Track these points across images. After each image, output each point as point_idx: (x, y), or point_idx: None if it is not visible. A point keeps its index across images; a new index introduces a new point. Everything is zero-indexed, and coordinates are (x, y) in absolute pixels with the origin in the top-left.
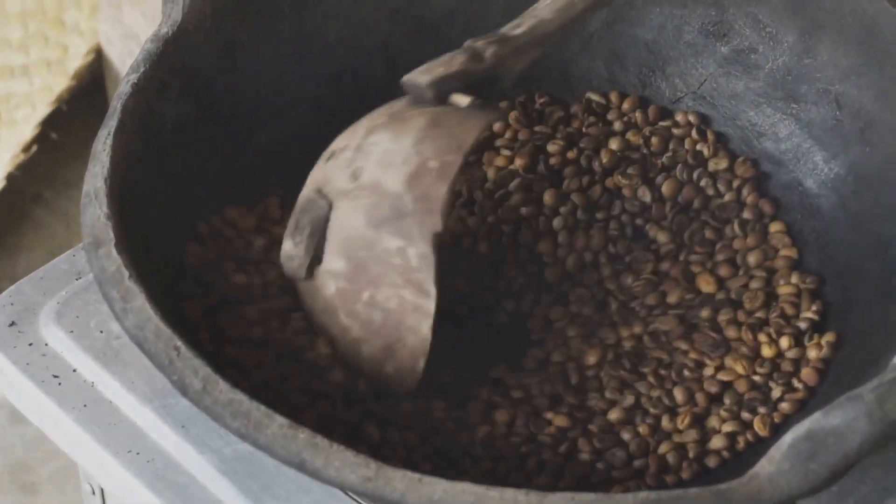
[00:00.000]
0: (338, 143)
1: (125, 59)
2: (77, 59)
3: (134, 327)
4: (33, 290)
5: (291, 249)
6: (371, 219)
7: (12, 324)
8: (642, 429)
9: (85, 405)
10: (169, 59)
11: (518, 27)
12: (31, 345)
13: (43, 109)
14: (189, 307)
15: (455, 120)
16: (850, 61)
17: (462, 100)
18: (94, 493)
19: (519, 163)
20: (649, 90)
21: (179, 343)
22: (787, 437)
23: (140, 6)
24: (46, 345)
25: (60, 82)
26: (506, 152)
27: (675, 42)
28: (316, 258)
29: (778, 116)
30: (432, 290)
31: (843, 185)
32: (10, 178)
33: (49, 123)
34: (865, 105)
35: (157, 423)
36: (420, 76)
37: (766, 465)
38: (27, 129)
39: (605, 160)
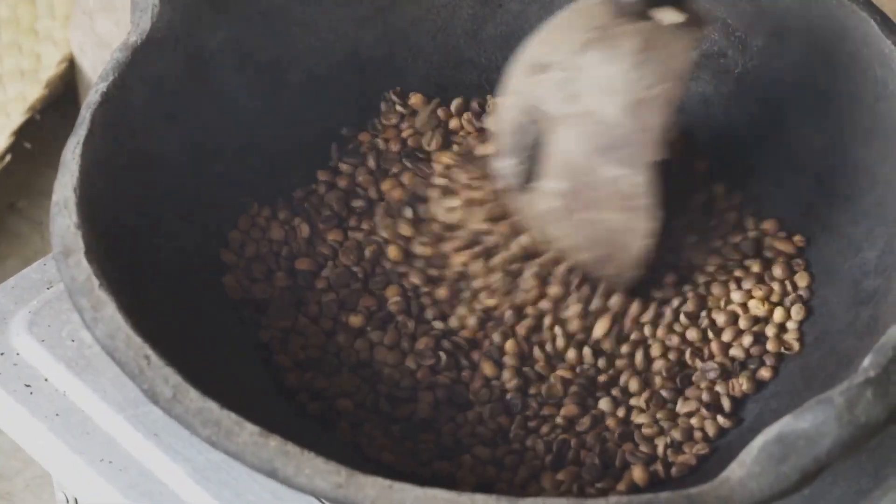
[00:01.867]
0: (540, 54)
1: (98, 68)
2: (50, 69)
3: (104, 336)
4: (4, 300)
5: (511, 169)
6: (591, 146)
7: None
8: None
9: (57, 414)
10: (138, 67)
11: None
12: (2, 354)
13: (17, 118)
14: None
15: (666, 41)
16: (819, 65)
17: (671, 16)
18: (68, 502)
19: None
20: None
21: (150, 352)
22: (758, 441)
23: (113, 15)
24: (18, 354)
25: (34, 91)
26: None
27: None
28: (532, 176)
29: (747, 120)
30: (652, 215)
31: (812, 189)
32: None
33: (22, 133)
34: (835, 109)
35: (130, 431)
36: None
37: (737, 469)
38: (1, 139)
39: None
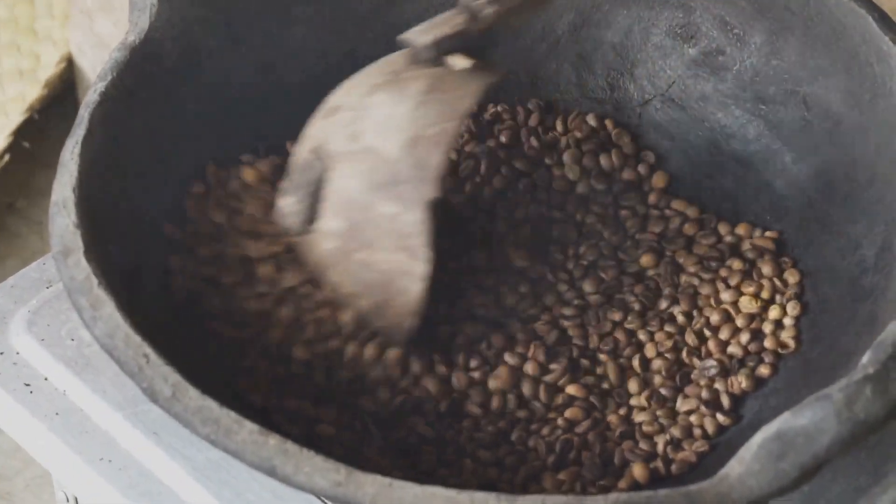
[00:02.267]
0: (336, 99)
1: (97, 68)
2: (49, 68)
3: (104, 335)
4: (4, 299)
5: (291, 206)
6: (369, 183)
7: None
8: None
9: (57, 413)
10: (136, 67)
11: None
12: (1, 353)
13: (16, 118)
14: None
15: (453, 84)
16: (818, 62)
17: (461, 62)
18: (68, 501)
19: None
20: (617, 93)
21: (149, 350)
22: (757, 438)
23: (111, 15)
24: (17, 353)
25: (33, 91)
26: (452, 156)
27: (643, 44)
28: (313, 216)
29: (746, 118)
30: (425, 256)
31: (811, 186)
32: None
33: (21, 133)
34: (833, 106)
35: (130, 430)
36: (421, 36)
37: (736, 466)
38: (0, 139)
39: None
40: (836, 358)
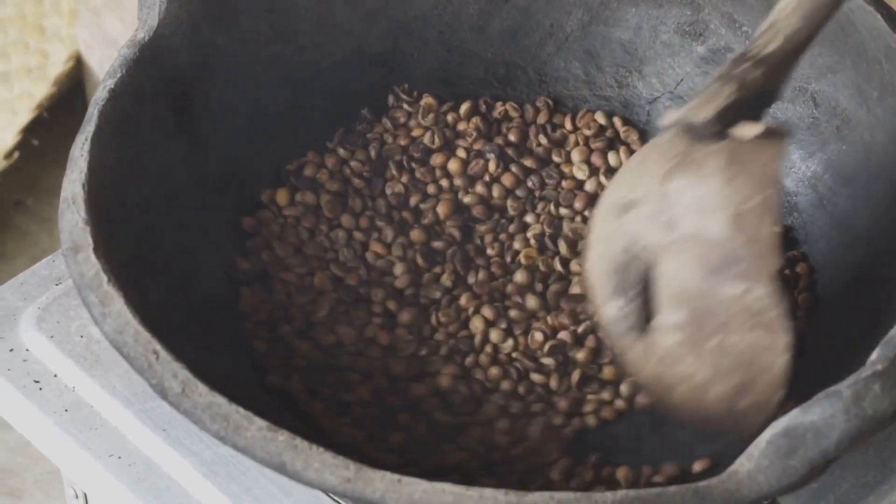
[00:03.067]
0: (622, 195)
1: (105, 66)
2: (57, 66)
3: (113, 331)
4: (13, 296)
5: (620, 312)
6: (704, 269)
7: None
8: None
9: (66, 410)
10: (145, 64)
11: (772, 42)
12: (11, 350)
13: (24, 116)
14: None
15: (751, 154)
16: (826, 59)
17: (751, 130)
18: (77, 497)
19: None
20: (626, 90)
21: (158, 347)
22: (766, 434)
23: (119, 12)
24: (27, 350)
25: (41, 89)
26: (461, 154)
27: (652, 42)
28: (646, 316)
29: None
30: (786, 327)
31: (820, 182)
32: None
33: (30, 130)
34: (841, 103)
35: (139, 426)
36: (699, 112)
37: (745, 463)
38: (8, 136)
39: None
40: (844, 354)
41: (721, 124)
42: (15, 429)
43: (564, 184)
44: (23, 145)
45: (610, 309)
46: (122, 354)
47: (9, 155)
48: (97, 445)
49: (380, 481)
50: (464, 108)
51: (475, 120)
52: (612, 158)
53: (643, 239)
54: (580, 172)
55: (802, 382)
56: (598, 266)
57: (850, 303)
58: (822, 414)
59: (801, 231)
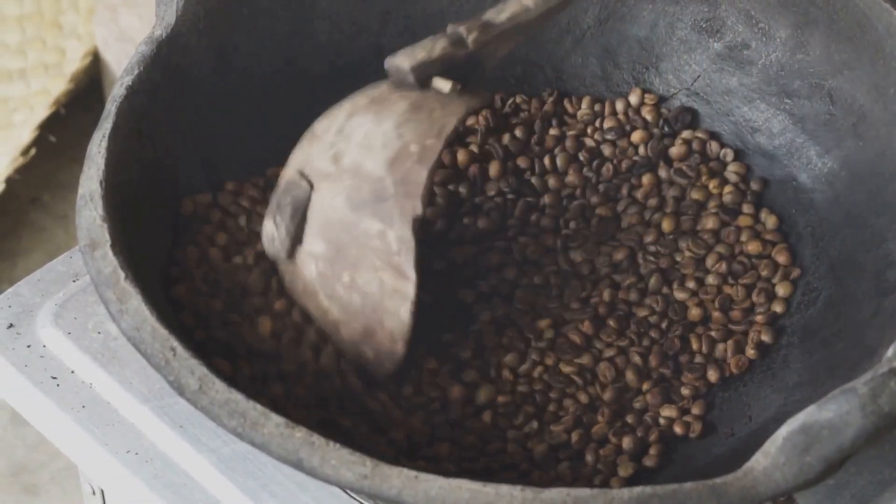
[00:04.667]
0: (319, 124)
1: (122, 62)
2: (74, 63)
3: (130, 328)
4: (31, 292)
5: (272, 230)
6: (351, 202)
7: (10, 326)
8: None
9: (83, 406)
10: (163, 60)
11: (501, 13)
12: (29, 346)
13: (41, 113)
14: (176, 290)
15: (437, 104)
16: (843, 56)
17: (444, 84)
18: (94, 493)
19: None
20: (643, 87)
21: (176, 343)
22: (782, 431)
23: (136, 9)
24: (44, 346)
25: (58, 85)
26: (473, 148)
27: (668, 39)
28: (297, 239)
29: (771, 112)
30: (412, 274)
31: (836, 179)
32: (9, 181)
33: (47, 127)
34: (858, 99)
35: (156, 422)
36: (402, 60)
37: (761, 459)
38: (25, 133)
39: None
40: (860, 352)
41: (423, 75)
42: (32, 425)
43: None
44: (40, 141)
45: (267, 224)
46: (140, 351)
47: (26, 151)
48: (114, 442)
49: (397, 478)
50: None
51: (484, 112)
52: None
53: (311, 165)
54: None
55: (819, 379)
56: (278, 183)
57: (866, 300)
58: (839, 411)
59: (817, 227)
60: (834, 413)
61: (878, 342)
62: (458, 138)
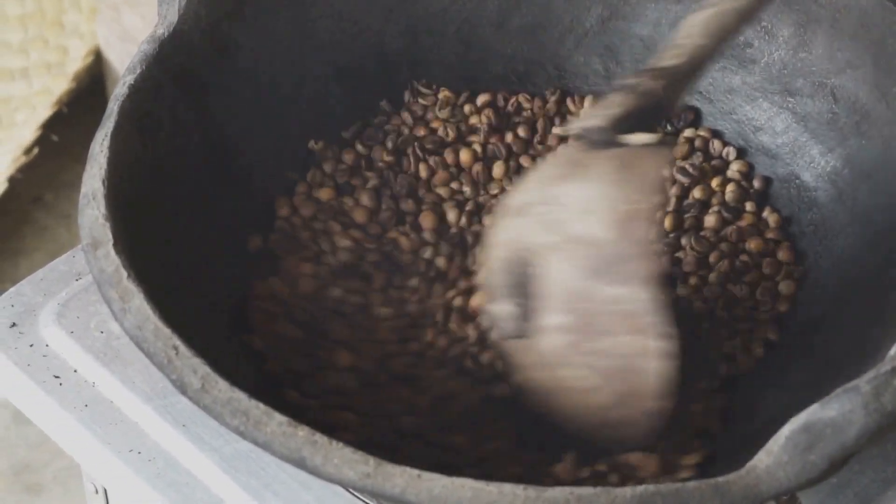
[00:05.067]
0: (518, 198)
1: (124, 61)
2: (77, 62)
3: (133, 327)
4: (33, 292)
5: (507, 311)
6: (585, 270)
7: (13, 325)
8: None
9: (86, 405)
10: (165, 59)
11: (677, 57)
12: (31, 346)
13: (43, 112)
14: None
15: (639, 160)
16: (846, 55)
17: (641, 138)
18: (97, 492)
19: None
20: None
21: (178, 342)
22: (785, 429)
23: (138, 8)
24: (47, 345)
25: (60, 85)
26: (477, 147)
27: (671, 37)
28: (531, 316)
29: (774, 110)
30: (667, 331)
31: (839, 177)
32: (12, 180)
33: (49, 126)
34: (861, 98)
35: (158, 422)
36: (596, 121)
37: (764, 458)
38: (27, 132)
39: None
40: (864, 350)
41: (615, 132)
42: (35, 424)
43: None
44: (42, 141)
45: (498, 307)
46: (142, 350)
47: (28, 150)
48: (117, 441)
49: (399, 476)
50: (481, 100)
51: (488, 112)
52: None
53: (530, 240)
54: None
55: (822, 377)
56: (492, 266)
57: (870, 298)
58: (842, 409)
59: (821, 225)
60: (837, 411)
61: (882, 340)
62: (460, 138)
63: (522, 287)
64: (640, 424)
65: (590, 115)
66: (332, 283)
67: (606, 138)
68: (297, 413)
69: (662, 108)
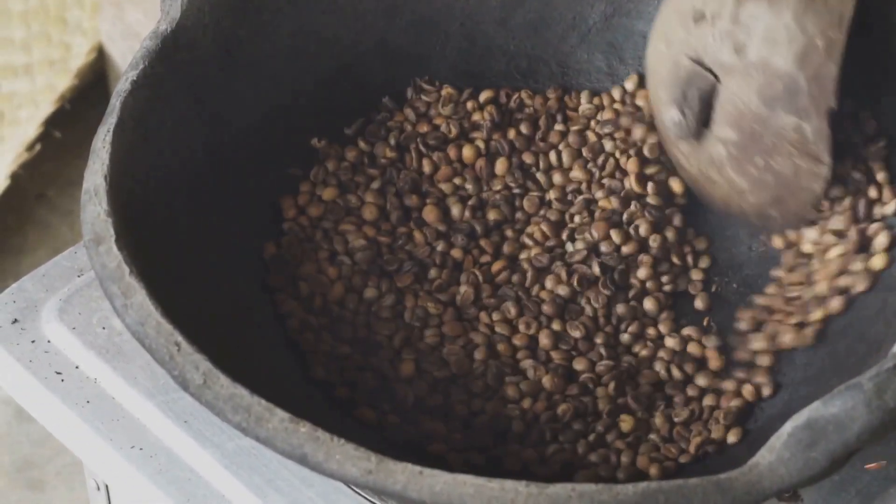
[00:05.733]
0: (696, 3)
1: (127, 58)
2: (80, 58)
3: (135, 323)
4: (35, 288)
5: (679, 117)
6: (764, 97)
7: (15, 321)
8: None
9: (88, 401)
10: (168, 55)
11: None
12: (33, 342)
13: (46, 108)
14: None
15: None
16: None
17: None
18: (99, 488)
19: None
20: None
21: (180, 338)
22: (787, 426)
23: (141, 4)
24: (49, 342)
25: (63, 81)
26: (480, 144)
27: None
28: (703, 124)
29: None
30: (828, 160)
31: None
32: (14, 177)
33: (52, 122)
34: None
35: (160, 418)
36: None
37: (766, 455)
38: (30, 129)
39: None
40: (866, 348)
41: None
42: (37, 420)
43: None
44: (45, 137)
45: (669, 114)
46: (144, 346)
47: (31, 147)
48: (119, 437)
49: (401, 473)
50: (483, 97)
51: (490, 108)
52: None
53: (711, 56)
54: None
55: (824, 374)
56: (661, 68)
57: (871, 295)
58: (844, 406)
59: None
60: (839, 408)
61: (884, 338)
62: (463, 134)
63: (697, 99)
64: (790, 222)
65: None
66: (363, 284)
67: None
68: (379, 432)
69: None
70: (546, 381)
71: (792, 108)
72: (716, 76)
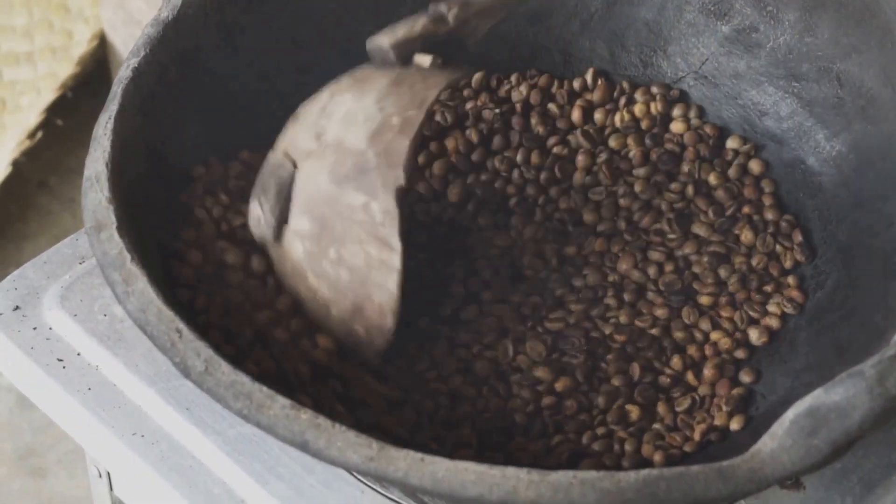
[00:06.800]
0: (303, 107)
1: (129, 45)
2: (81, 46)
3: (136, 310)
4: (37, 275)
5: (258, 212)
6: (335, 176)
7: (16, 308)
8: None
9: (89, 388)
10: (169, 43)
11: None
12: (35, 329)
13: (48, 96)
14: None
15: (417, 78)
16: (851, 39)
17: (424, 59)
18: (100, 475)
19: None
20: (651, 70)
21: (181, 325)
22: (790, 414)
23: None
24: (50, 328)
25: (65, 69)
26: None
27: (676, 22)
28: (282, 220)
29: (780, 95)
30: (397, 244)
31: (845, 162)
32: (16, 164)
33: (54, 110)
34: (866, 83)
35: (162, 405)
36: (383, 39)
37: (768, 442)
38: (32, 116)
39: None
40: (868, 335)
41: (405, 52)
42: (38, 408)
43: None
44: (46, 125)
45: (252, 206)
46: (146, 333)
47: (32, 135)
48: (120, 424)
49: (403, 460)
50: (476, 77)
51: (483, 97)
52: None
53: (295, 145)
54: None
55: (826, 362)
56: (261, 169)
57: (874, 283)
58: (846, 394)
59: (825, 210)
60: (841, 396)
61: (886, 325)
62: (457, 123)
63: (275, 190)
64: (373, 339)
65: (380, 34)
66: None
67: (391, 58)
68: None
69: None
70: (542, 373)
71: (360, 185)
72: (295, 165)
